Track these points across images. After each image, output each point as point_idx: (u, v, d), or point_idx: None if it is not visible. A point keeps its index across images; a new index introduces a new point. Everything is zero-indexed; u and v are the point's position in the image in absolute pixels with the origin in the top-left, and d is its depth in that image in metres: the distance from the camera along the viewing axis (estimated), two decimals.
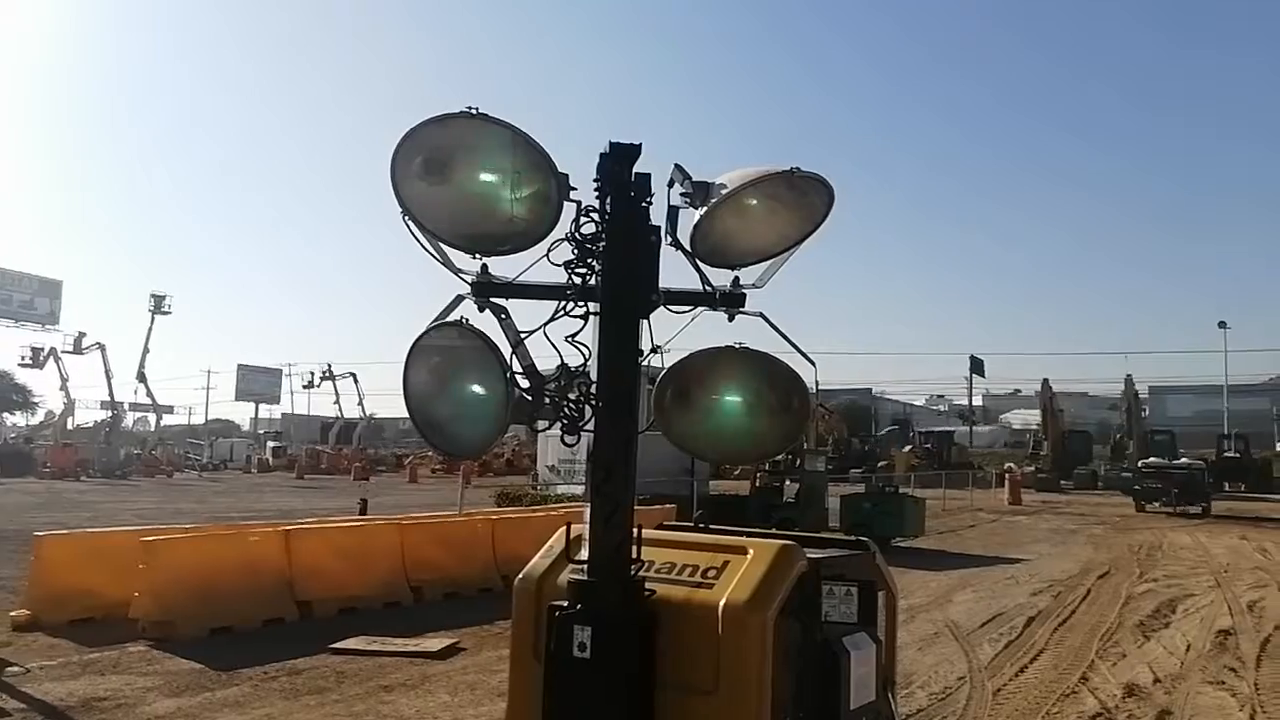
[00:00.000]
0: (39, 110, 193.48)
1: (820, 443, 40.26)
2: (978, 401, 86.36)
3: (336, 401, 77.34)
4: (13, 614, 10.34)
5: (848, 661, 3.49)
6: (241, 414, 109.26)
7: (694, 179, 3.54)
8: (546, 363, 3.53)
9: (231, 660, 8.82)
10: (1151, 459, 36.44)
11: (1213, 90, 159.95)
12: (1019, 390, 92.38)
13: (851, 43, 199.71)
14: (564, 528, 3.71)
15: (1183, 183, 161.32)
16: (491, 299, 3.52)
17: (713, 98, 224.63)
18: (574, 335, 3.43)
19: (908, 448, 57.83)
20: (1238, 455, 46.26)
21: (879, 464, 49.62)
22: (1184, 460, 35.78)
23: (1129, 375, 51.81)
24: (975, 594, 13.55)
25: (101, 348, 61.61)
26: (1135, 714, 7.53)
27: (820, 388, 3.85)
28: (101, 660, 8.88)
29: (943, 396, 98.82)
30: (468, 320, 3.46)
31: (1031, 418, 68.69)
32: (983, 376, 79.69)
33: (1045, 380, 53.72)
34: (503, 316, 3.54)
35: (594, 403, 3.42)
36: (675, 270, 3.60)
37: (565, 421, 3.48)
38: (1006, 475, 39.96)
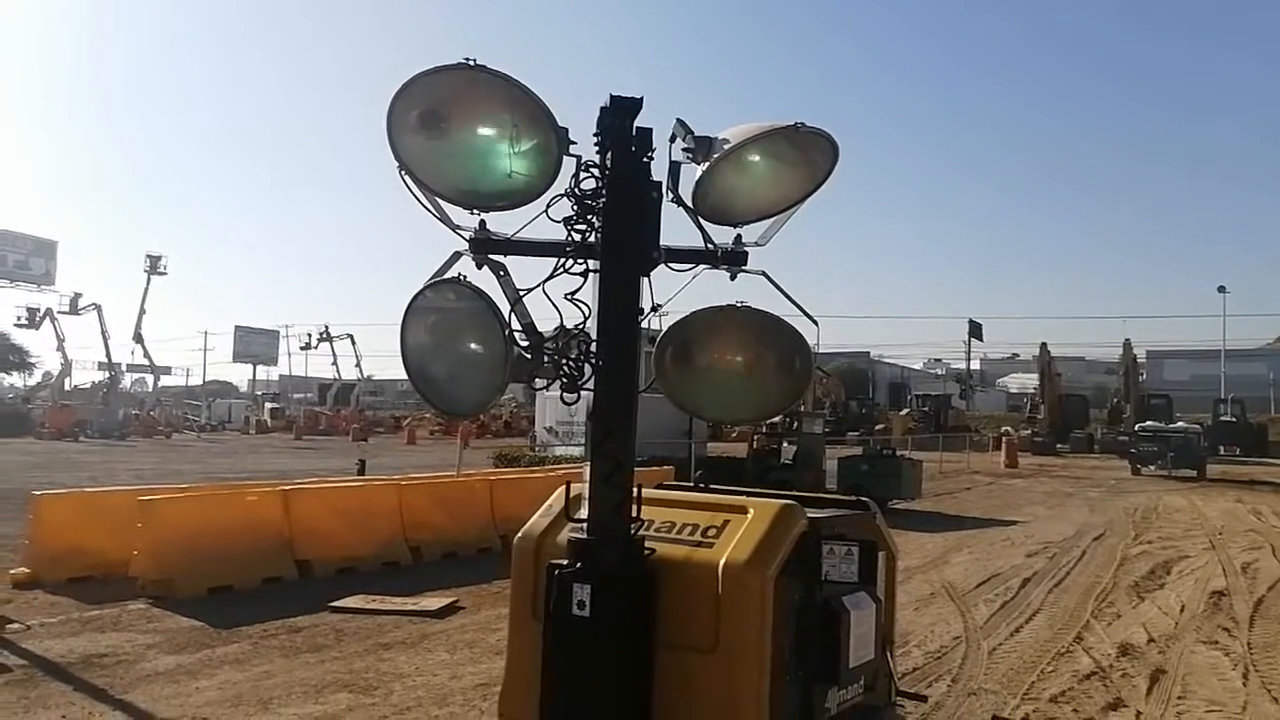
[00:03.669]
0: (35, 71, 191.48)
1: (818, 405, 40.32)
2: (975, 365, 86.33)
3: (334, 363, 77.40)
4: (12, 572, 10.36)
5: (848, 620, 3.50)
6: (239, 375, 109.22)
7: (696, 134, 3.48)
8: (546, 322, 3.49)
9: (231, 618, 8.85)
10: (1148, 423, 36.51)
11: (1216, 57, 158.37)
12: (1017, 354, 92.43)
13: None
14: (563, 487, 3.70)
15: (1185, 147, 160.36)
16: (490, 255, 3.48)
17: (716, 44, 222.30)
18: (573, 293, 3.39)
19: (905, 410, 57.96)
20: (1234, 419, 46.37)
21: (876, 426, 49.74)
22: (1180, 424, 35.86)
23: (1127, 339, 51.75)
24: (971, 555, 13.62)
25: (98, 308, 61.39)
26: (1129, 673, 7.58)
27: (818, 350, 3.79)
28: (102, 618, 8.91)
29: (940, 360, 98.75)
30: (466, 277, 3.42)
31: (1029, 382, 68.80)
32: (981, 340, 79.54)
33: (1043, 344, 53.67)
34: (501, 273, 3.50)
35: (594, 361, 3.39)
36: (677, 227, 3.55)
37: (564, 380, 3.45)
38: (1003, 439, 40.08)
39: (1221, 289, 66.74)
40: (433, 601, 9.77)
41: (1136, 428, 36.36)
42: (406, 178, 3.33)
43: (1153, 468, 31.33)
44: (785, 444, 21.05)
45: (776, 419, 19.75)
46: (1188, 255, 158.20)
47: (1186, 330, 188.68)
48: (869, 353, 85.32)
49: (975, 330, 75.63)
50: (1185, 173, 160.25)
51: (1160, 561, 13.04)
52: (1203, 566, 12.68)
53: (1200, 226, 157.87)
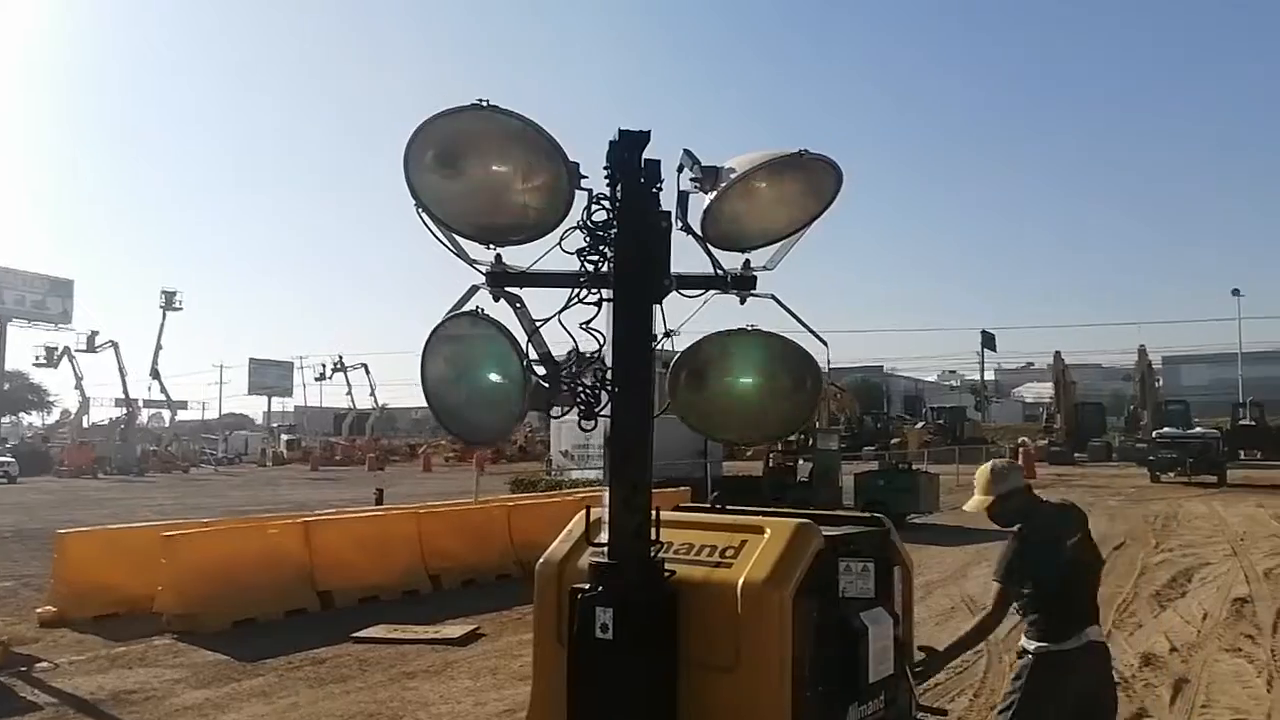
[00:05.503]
0: (45, 110, 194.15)
1: (833, 421, 40.22)
2: (990, 376, 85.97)
3: (349, 392, 77.91)
4: (39, 610, 10.47)
5: (866, 636, 3.54)
6: (255, 407, 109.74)
7: (703, 163, 3.57)
8: (562, 348, 3.58)
9: (256, 651, 8.93)
10: (1166, 429, 36.23)
11: (1226, 54, 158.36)
12: (1031, 363, 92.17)
13: (859, 9, 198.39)
14: (583, 511, 3.77)
15: (1193, 149, 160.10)
16: (506, 288, 3.56)
17: (722, 79, 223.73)
18: (588, 322, 3.47)
19: (920, 424, 57.70)
20: (1253, 423, 45.91)
21: (892, 441, 49.56)
22: (1199, 429, 35.59)
23: (1142, 345, 51.50)
24: (990, 568, 13.55)
25: (114, 346, 62.08)
26: (1152, 683, 7.56)
27: (831, 366, 3.86)
28: (128, 654, 8.99)
29: (954, 372, 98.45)
30: (483, 310, 3.51)
31: (1044, 391, 68.49)
32: (994, 351, 79.28)
33: (1057, 353, 53.40)
34: (517, 305, 3.59)
35: (609, 388, 3.47)
36: (686, 255, 3.64)
37: (582, 407, 3.54)
38: (1020, 449, 39.85)
39: (1236, 292, 66.52)
40: (454, 629, 9.82)
41: (1154, 435, 36.08)
42: (424, 215, 3.42)
43: (1172, 475, 31.07)
44: (801, 461, 21.05)
45: (791, 437, 19.77)
46: (1201, 259, 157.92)
47: (1202, 334, 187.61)
48: (882, 366, 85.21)
49: (988, 341, 75.44)
50: (1196, 176, 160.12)
51: (1182, 569, 12.97)
52: (1225, 573, 12.60)
53: (1213, 230, 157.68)
